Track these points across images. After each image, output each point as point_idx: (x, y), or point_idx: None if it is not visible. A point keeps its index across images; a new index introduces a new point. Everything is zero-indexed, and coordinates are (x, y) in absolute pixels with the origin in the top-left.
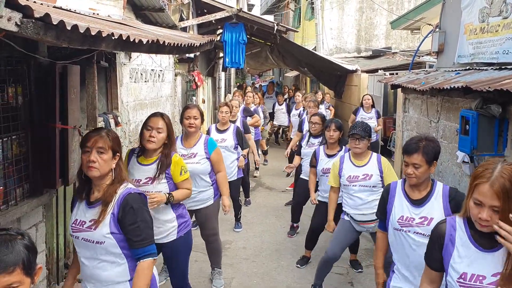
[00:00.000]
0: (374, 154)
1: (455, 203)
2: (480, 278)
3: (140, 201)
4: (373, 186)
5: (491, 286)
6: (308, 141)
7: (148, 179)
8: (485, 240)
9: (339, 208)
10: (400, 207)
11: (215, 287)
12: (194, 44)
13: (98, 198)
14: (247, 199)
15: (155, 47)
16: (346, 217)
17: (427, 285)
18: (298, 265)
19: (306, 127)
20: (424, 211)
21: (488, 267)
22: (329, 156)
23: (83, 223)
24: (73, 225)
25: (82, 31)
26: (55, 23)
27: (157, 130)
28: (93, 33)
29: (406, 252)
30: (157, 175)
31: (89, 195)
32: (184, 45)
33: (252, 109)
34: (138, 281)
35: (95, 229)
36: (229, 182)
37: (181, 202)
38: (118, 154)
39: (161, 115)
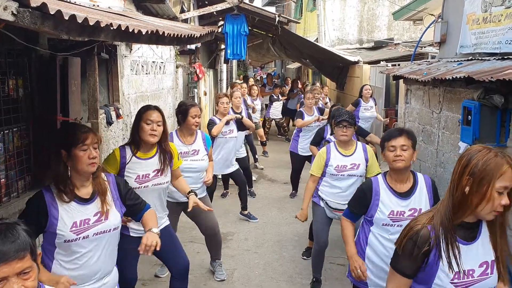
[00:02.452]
0: (359, 143)
1: (435, 193)
2: (471, 272)
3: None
4: (359, 176)
5: (481, 277)
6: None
7: (156, 171)
8: (466, 233)
9: None
10: (389, 203)
11: (218, 278)
12: (194, 35)
13: (91, 193)
14: (251, 190)
15: (155, 38)
16: (321, 203)
17: None
18: (305, 257)
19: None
20: (412, 203)
21: (474, 259)
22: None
23: (88, 220)
24: (74, 228)
25: (80, 21)
26: (52, 13)
27: (157, 124)
28: (91, 23)
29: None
30: (164, 167)
31: (74, 193)
32: (184, 36)
33: (248, 102)
34: (152, 216)
35: (107, 218)
36: (231, 172)
37: None
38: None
39: (156, 108)
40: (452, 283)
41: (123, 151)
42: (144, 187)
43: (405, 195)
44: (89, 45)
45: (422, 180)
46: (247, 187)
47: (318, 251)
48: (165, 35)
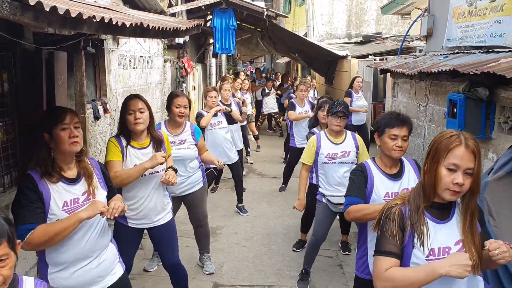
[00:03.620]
0: (348, 132)
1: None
2: (447, 249)
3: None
4: (351, 163)
5: None
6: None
7: None
8: (439, 213)
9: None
10: (382, 185)
11: (207, 272)
12: (180, 28)
13: (76, 173)
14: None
15: (139, 31)
16: (323, 200)
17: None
18: (295, 249)
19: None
20: (403, 183)
21: (449, 237)
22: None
23: (77, 199)
24: (65, 207)
25: (61, 13)
26: (32, 4)
27: (139, 111)
28: (73, 15)
29: None
30: (158, 150)
31: (61, 174)
32: (170, 29)
33: (238, 95)
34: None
35: (95, 197)
36: (229, 165)
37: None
38: None
39: (137, 96)
40: (427, 259)
41: (118, 140)
42: (142, 175)
43: (396, 176)
44: (75, 39)
45: (407, 162)
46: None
47: (314, 244)
48: (150, 28)
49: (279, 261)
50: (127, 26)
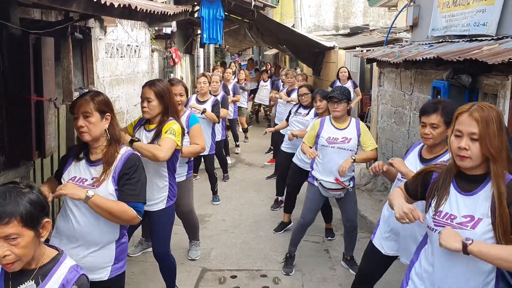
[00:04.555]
0: (353, 119)
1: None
2: (452, 217)
3: (140, 161)
4: (350, 150)
5: (460, 226)
6: (296, 111)
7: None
8: (466, 184)
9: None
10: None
11: (190, 258)
12: (167, 12)
13: (99, 158)
14: (226, 175)
15: (127, 12)
16: (315, 183)
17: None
18: (274, 231)
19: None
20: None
21: (462, 208)
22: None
23: (84, 180)
24: (71, 181)
25: None
26: None
27: (147, 100)
28: None
29: None
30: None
31: (88, 155)
32: (158, 12)
33: (231, 86)
34: (114, 204)
35: (98, 187)
36: (204, 156)
37: (174, 177)
38: (108, 114)
39: (150, 85)
40: (432, 218)
41: (141, 120)
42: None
43: (427, 161)
44: (62, 24)
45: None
46: (223, 173)
47: (301, 225)
48: (138, 10)
49: (266, 247)
50: (115, 6)
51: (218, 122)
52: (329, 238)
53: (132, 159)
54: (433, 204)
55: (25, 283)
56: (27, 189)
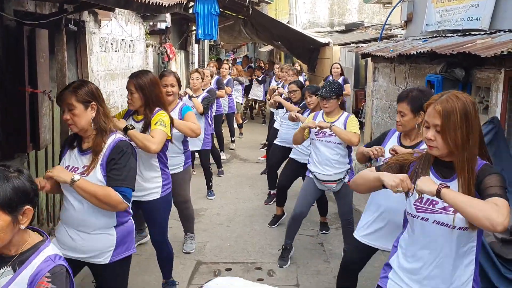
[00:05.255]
0: (345, 113)
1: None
2: (434, 202)
3: (131, 149)
4: (338, 143)
5: (442, 211)
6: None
7: None
8: (444, 171)
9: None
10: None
11: (185, 251)
12: (162, 3)
13: (90, 147)
14: (220, 170)
15: (123, 2)
16: (310, 175)
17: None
18: (269, 225)
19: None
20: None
21: None
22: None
23: (76, 169)
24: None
25: None
26: None
27: (130, 91)
28: None
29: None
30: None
31: (81, 144)
32: (153, 3)
33: (226, 80)
34: (99, 188)
35: (88, 175)
36: (199, 151)
37: (167, 167)
38: (93, 103)
39: (132, 77)
40: (414, 205)
41: (129, 111)
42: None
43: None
44: (56, 16)
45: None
46: (217, 167)
47: (295, 217)
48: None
49: (261, 240)
50: None
51: (202, 114)
52: (324, 231)
53: (120, 146)
54: (414, 192)
55: (2, 268)
56: (16, 173)
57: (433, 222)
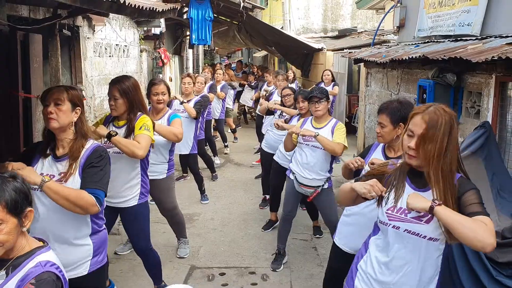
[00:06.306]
0: (334, 120)
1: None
2: (406, 211)
3: (107, 155)
4: (323, 148)
5: (414, 220)
6: (281, 113)
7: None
8: (420, 181)
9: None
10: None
11: (179, 255)
12: (156, 9)
13: (65, 153)
14: (214, 174)
15: (116, 7)
16: (291, 176)
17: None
18: (263, 229)
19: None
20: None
21: None
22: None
23: (52, 176)
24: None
25: None
26: None
27: (114, 97)
28: None
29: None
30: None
31: (55, 151)
32: (146, 8)
33: (220, 86)
34: (72, 190)
35: (66, 182)
36: (187, 155)
37: (146, 174)
38: (78, 108)
39: (115, 82)
40: (386, 213)
41: (108, 116)
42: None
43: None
44: (50, 20)
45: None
46: (211, 172)
47: (284, 218)
48: (127, 4)
49: (255, 244)
50: (104, 0)
51: (196, 118)
52: (317, 235)
53: (98, 150)
54: (388, 200)
55: None
56: (11, 178)
57: (404, 231)
